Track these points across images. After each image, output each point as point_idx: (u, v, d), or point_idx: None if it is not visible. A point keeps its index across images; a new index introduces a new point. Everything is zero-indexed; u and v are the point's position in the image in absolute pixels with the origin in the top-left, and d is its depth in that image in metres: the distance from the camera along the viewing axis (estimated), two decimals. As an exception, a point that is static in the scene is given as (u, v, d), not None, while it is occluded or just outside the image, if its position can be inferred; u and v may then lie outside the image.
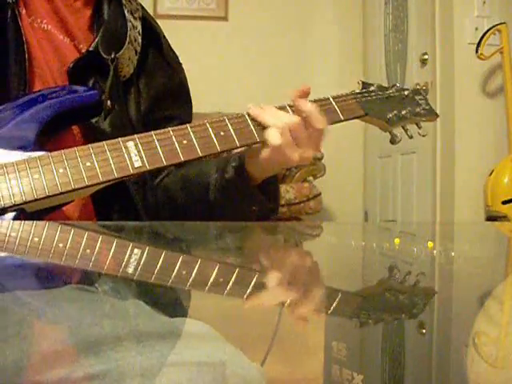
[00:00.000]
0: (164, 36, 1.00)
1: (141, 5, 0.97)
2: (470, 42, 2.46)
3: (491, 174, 2.36)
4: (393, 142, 0.91)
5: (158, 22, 1.01)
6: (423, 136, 0.94)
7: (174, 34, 1.06)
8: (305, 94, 0.82)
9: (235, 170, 0.82)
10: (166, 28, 1.03)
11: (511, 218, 2.24)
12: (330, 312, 0.36)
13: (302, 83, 0.86)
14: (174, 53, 1.01)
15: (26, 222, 0.67)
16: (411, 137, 0.92)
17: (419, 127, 0.93)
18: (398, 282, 0.47)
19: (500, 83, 2.48)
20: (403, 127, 0.92)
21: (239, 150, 0.84)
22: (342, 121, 0.86)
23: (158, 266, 0.47)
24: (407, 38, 2.98)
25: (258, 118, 0.79)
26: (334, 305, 0.38)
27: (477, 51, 2.39)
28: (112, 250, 0.56)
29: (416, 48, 2.86)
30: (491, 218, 2.33)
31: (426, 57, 2.75)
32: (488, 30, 2.40)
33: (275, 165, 0.81)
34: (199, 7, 3.42)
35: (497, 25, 2.41)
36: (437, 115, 0.95)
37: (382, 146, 3.24)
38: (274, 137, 0.77)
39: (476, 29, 2.47)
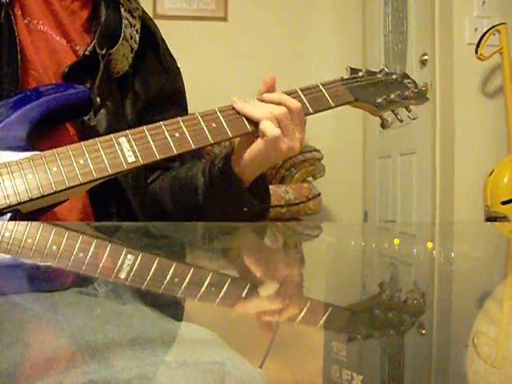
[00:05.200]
0: (163, 40, 0.99)
1: (141, 7, 0.96)
2: (470, 43, 2.46)
3: (491, 174, 2.35)
4: (383, 126, 0.92)
5: (158, 22, 1.01)
6: (413, 119, 0.94)
7: (173, 34, 1.06)
8: (271, 86, 0.82)
9: (221, 171, 0.82)
10: (166, 28, 1.03)
11: (511, 218, 2.24)
12: (329, 314, 0.36)
13: (302, 83, 0.86)
14: (171, 57, 1.00)
15: (23, 223, 0.67)
16: (401, 120, 0.93)
17: (409, 110, 0.94)
18: (396, 285, 0.47)
19: (499, 84, 2.49)
20: (393, 111, 0.92)
21: (223, 151, 0.84)
22: (332, 107, 0.86)
23: (160, 270, 0.46)
24: (407, 38, 2.98)
25: (243, 111, 0.78)
26: (334, 306, 0.38)
27: (476, 52, 2.39)
28: (113, 254, 0.56)
29: (416, 49, 2.87)
30: (491, 218, 2.33)
31: (425, 57, 2.75)
32: (487, 31, 2.40)
33: (264, 159, 0.79)
34: (199, 8, 3.42)
35: (496, 25, 2.41)
36: (426, 98, 0.96)
37: (382, 147, 3.24)
38: (270, 128, 0.76)
39: (475, 29, 2.47)
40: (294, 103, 0.79)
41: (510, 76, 2.39)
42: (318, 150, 3.08)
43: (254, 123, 0.78)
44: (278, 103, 0.79)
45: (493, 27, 2.41)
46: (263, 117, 0.77)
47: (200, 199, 0.84)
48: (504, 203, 2.29)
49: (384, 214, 3.23)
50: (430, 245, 0.68)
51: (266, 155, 0.78)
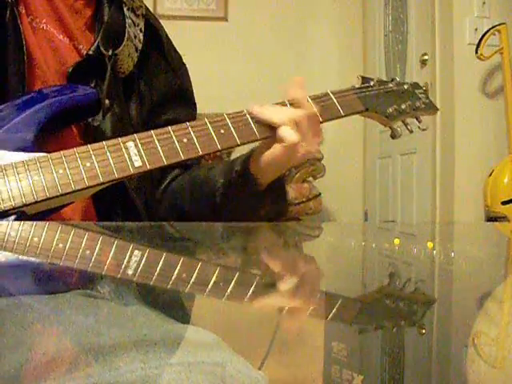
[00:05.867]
0: (167, 36, 0.99)
1: (144, 5, 0.96)
2: (470, 43, 2.46)
3: (491, 174, 2.35)
4: (393, 136, 0.91)
5: (158, 22, 1.01)
6: (423, 130, 0.94)
7: (173, 34, 1.06)
8: (300, 87, 0.81)
9: (239, 174, 0.81)
10: (166, 28, 1.02)
11: (511, 218, 2.24)
12: (329, 316, 0.36)
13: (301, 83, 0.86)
14: (176, 53, 1.00)
15: (28, 222, 0.67)
16: (411, 131, 0.92)
17: (419, 121, 0.93)
18: (397, 284, 0.47)
19: (500, 83, 2.49)
20: (403, 121, 0.92)
21: (244, 153, 0.83)
22: (342, 116, 0.85)
23: (164, 270, 0.47)
24: (407, 38, 2.98)
25: (261, 116, 0.78)
26: (335, 309, 0.38)
27: (476, 52, 2.39)
28: (116, 255, 0.56)
29: (416, 48, 2.87)
30: (491, 218, 2.33)
31: (425, 57, 2.75)
32: (488, 31, 2.40)
33: (282, 164, 0.80)
34: (199, 8, 3.42)
35: (496, 25, 2.41)
36: (437, 109, 0.95)
37: (382, 147, 3.24)
38: (289, 134, 0.76)
39: (476, 29, 2.47)
40: (312, 107, 0.79)
41: (511, 76, 2.39)
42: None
43: (270, 128, 0.78)
44: (298, 105, 0.79)
45: (493, 27, 2.41)
46: (282, 122, 0.77)
47: (218, 200, 0.84)
48: (504, 203, 2.29)
49: (384, 214, 3.23)
50: (430, 245, 0.69)
51: (283, 160, 0.78)
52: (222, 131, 0.77)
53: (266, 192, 0.82)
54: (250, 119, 0.79)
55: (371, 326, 0.33)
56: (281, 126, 0.77)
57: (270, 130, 0.78)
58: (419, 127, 0.93)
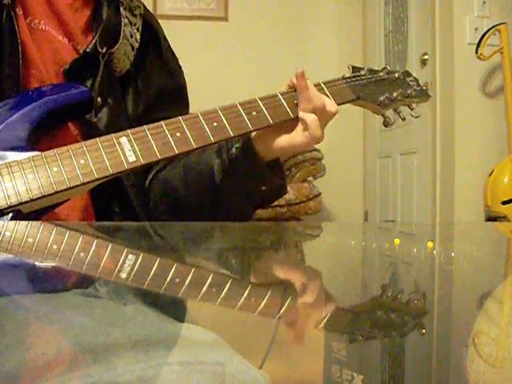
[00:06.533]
0: (165, 37, 0.99)
1: (143, 4, 0.96)
2: (470, 43, 2.46)
3: (491, 174, 2.35)
4: (386, 124, 0.92)
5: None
6: (416, 117, 0.94)
7: (174, 34, 1.06)
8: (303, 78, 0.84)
9: (240, 149, 0.82)
10: (166, 28, 1.03)
11: (511, 218, 2.24)
12: (329, 313, 0.36)
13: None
14: (173, 55, 1.00)
15: (24, 222, 0.67)
16: (404, 118, 0.93)
17: (411, 109, 0.94)
18: (397, 284, 0.47)
19: (500, 83, 2.48)
20: (395, 109, 0.92)
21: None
22: None
23: (163, 270, 0.47)
24: (407, 38, 2.98)
25: (304, 95, 0.81)
26: (334, 306, 0.38)
27: (477, 51, 2.39)
28: (114, 254, 0.56)
29: (416, 48, 2.87)
30: (491, 218, 2.33)
31: (426, 57, 2.75)
32: (488, 31, 2.40)
33: (298, 149, 0.83)
34: (199, 7, 3.42)
35: (497, 25, 2.41)
36: (429, 96, 0.96)
37: (382, 146, 3.24)
38: (317, 128, 0.80)
39: (476, 29, 2.47)
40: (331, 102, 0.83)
41: (511, 76, 2.39)
42: (318, 150, 3.08)
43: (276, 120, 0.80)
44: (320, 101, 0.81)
45: (493, 27, 2.40)
46: (312, 110, 0.80)
47: (217, 180, 0.84)
48: (504, 203, 2.29)
49: (384, 213, 3.23)
50: (430, 245, 0.68)
51: (302, 148, 0.82)
52: (215, 124, 0.77)
53: (266, 166, 0.83)
54: (241, 111, 0.79)
55: (370, 327, 0.33)
56: (310, 119, 0.79)
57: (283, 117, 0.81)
58: (412, 115, 0.93)
